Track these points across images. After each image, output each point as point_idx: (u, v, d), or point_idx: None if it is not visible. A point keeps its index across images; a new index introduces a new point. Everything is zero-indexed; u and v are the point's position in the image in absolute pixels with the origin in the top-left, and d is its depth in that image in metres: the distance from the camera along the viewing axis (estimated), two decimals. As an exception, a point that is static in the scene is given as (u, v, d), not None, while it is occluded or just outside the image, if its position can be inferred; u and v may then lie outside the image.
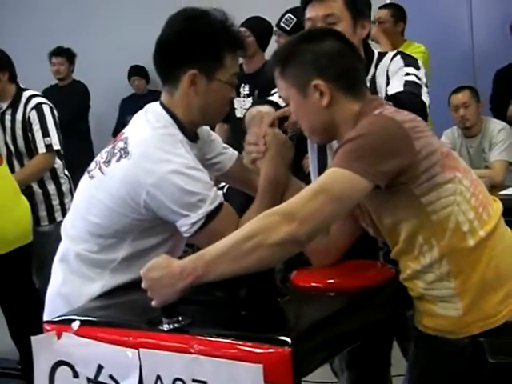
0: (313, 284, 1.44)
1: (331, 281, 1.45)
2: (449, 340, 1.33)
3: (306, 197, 1.24)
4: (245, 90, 3.37)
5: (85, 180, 1.59)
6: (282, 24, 3.22)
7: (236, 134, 3.41)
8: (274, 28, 3.32)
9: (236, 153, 1.79)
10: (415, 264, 1.34)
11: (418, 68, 1.72)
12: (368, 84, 1.70)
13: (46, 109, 3.12)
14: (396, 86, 1.67)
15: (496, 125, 3.59)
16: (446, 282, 1.32)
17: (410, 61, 1.75)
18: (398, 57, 1.76)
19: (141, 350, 1.24)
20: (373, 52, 1.80)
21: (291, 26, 3.19)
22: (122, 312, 1.42)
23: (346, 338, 1.37)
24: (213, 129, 1.82)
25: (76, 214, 1.60)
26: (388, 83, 1.72)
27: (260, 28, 3.34)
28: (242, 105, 3.39)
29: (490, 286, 1.32)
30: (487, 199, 1.38)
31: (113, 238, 1.52)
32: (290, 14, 3.24)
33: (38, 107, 3.10)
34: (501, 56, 4.03)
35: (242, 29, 3.60)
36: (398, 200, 1.31)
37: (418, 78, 1.69)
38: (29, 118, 3.09)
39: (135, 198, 1.47)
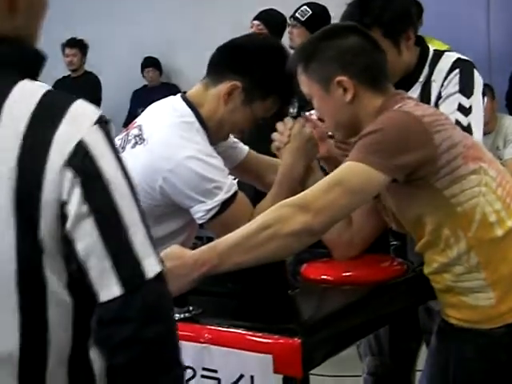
0: (323, 277, 1.45)
1: (341, 274, 1.45)
2: (482, 331, 1.31)
3: (321, 188, 1.25)
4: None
5: None
6: (296, 15, 3.22)
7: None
8: (288, 20, 3.32)
9: (246, 148, 1.80)
10: (442, 257, 1.33)
11: (471, 93, 1.68)
12: (419, 89, 1.69)
13: None
14: None
15: (511, 121, 3.56)
16: (476, 273, 1.31)
17: (466, 82, 1.69)
18: (457, 71, 1.69)
19: (152, 338, 1.25)
20: (427, 51, 1.74)
21: (306, 17, 3.20)
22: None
23: (356, 331, 1.37)
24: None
25: None
26: (438, 98, 1.68)
27: (274, 21, 3.33)
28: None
29: None
30: None
31: None
32: (305, 7, 3.25)
33: None
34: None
35: (256, 22, 3.61)
36: (420, 194, 1.31)
37: (468, 112, 1.65)
38: None
39: (151, 184, 1.47)
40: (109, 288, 0.79)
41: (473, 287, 1.32)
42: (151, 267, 0.80)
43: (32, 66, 0.89)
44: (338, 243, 1.49)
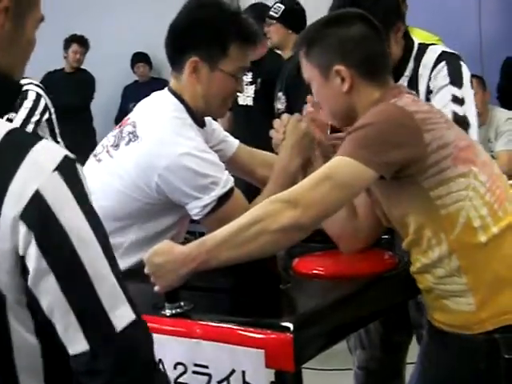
0: (315, 271, 1.44)
1: (333, 268, 1.45)
2: (463, 337, 1.30)
3: (310, 183, 1.24)
4: (247, 77, 3.37)
5: (91, 164, 1.59)
6: (270, 13, 3.30)
7: (238, 121, 3.40)
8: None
9: (237, 141, 1.79)
10: (424, 258, 1.33)
11: (462, 84, 1.68)
12: (406, 82, 1.69)
13: (31, 94, 3.04)
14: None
15: (503, 114, 3.56)
16: (457, 278, 1.30)
17: (455, 74, 1.69)
18: (443, 64, 1.70)
19: (143, 334, 1.25)
20: (412, 45, 1.74)
21: (280, 13, 3.25)
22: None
23: (348, 325, 1.37)
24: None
25: None
26: (428, 92, 1.67)
27: (263, 15, 3.33)
28: (245, 92, 3.39)
29: (505, 282, 1.29)
30: (507, 195, 1.35)
31: (122, 221, 1.51)
32: (278, 3, 3.30)
33: (24, 92, 3.01)
34: (509, 45, 3.99)
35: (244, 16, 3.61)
36: (406, 192, 1.31)
37: (463, 103, 1.64)
38: None
39: (147, 182, 1.47)
40: (76, 342, 0.77)
41: (453, 291, 1.31)
42: (121, 318, 0.77)
43: (2, 97, 0.84)
44: (342, 236, 1.48)
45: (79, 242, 0.76)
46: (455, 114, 1.62)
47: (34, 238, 0.75)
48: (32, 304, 0.77)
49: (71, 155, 0.80)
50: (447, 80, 1.69)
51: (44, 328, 0.78)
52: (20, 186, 0.75)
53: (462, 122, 1.62)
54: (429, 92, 1.70)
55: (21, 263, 0.76)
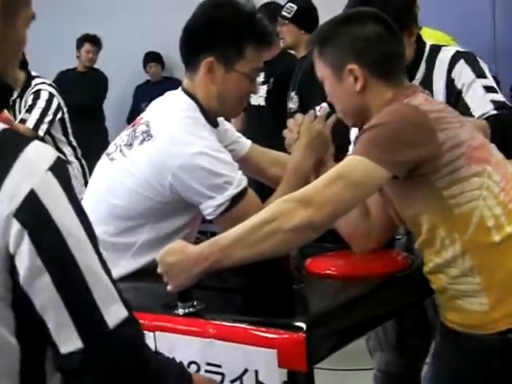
0: (328, 271, 1.44)
1: (346, 268, 1.45)
2: (476, 337, 1.30)
3: (323, 183, 1.24)
4: (260, 77, 3.36)
5: (104, 163, 1.60)
6: (283, 13, 3.29)
7: (250, 121, 3.41)
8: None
9: (249, 141, 1.80)
10: (438, 258, 1.32)
11: (486, 74, 1.68)
12: (417, 84, 1.68)
13: (44, 94, 3.07)
14: (480, 106, 1.61)
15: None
16: (470, 278, 1.29)
17: (477, 67, 1.69)
18: (462, 62, 1.69)
19: (156, 333, 1.25)
20: (423, 47, 1.73)
21: (292, 14, 3.24)
22: (138, 296, 1.43)
23: (361, 326, 1.37)
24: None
25: (95, 196, 1.60)
26: (456, 92, 1.66)
27: (276, 14, 3.33)
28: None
29: None
30: None
31: (134, 220, 1.52)
32: (290, 3, 3.29)
33: (37, 92, 3.07)
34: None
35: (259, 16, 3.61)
36: (419, 192, 1.30)
37: (495, 90, 1.65)
38: (26, 102, 3.08)
39: (160, 181, 1.47)
40: (69, 341, 0.77)
41: (466, 291, 1.30)
42: (114, 316, 0.78)
43: None
44: (354, 236, 1.48)
45: (73, 240, 0.77)
46: (495, 102, 1.61)
47: (28, 236, 0.75)
48: (20, 303, 0.77)
49: (62, 156, 0.81)
50: (473, 75, 1.68)
51: (26, 329, 0.78)
52: (14, 185, 0.76)
53: (503, 107, 1.62)
54: (451, 92, 1.68)
55: (10, 262, 0.76)
